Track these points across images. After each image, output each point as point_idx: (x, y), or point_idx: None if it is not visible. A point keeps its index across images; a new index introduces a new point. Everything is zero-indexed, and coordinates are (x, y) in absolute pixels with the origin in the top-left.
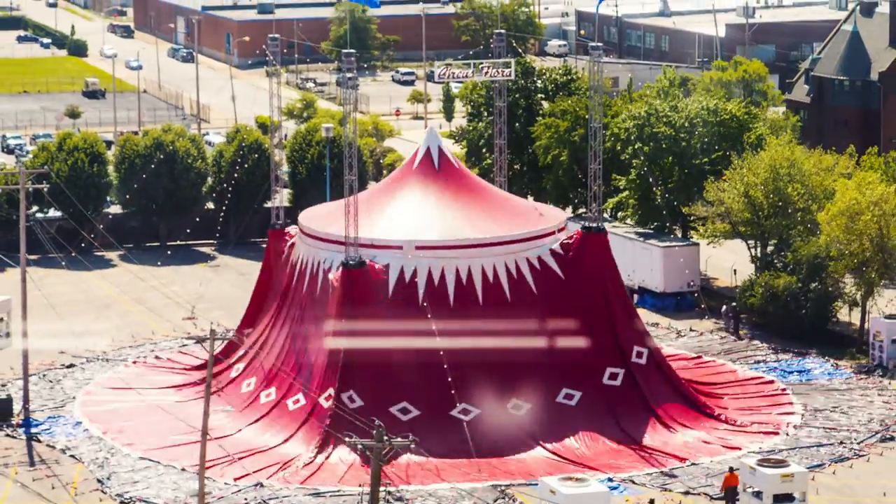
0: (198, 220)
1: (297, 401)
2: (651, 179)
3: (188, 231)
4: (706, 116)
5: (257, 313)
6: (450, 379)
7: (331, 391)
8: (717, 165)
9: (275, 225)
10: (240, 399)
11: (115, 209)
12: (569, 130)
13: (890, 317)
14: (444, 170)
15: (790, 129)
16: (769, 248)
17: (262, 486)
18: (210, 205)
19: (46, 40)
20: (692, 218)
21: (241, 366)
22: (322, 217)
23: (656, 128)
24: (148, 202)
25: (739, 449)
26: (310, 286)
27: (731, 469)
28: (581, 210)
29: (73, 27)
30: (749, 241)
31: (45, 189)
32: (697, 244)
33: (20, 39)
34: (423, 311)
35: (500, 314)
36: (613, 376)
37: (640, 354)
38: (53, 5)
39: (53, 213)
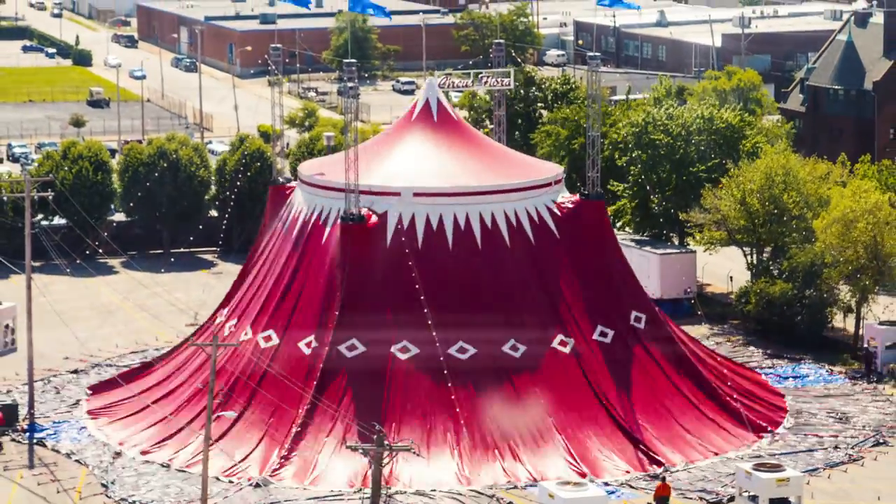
0: (201, 227)
1: (269, 338)
2: (648, 187)
3: (191, 238)
4: (702, 125)
5: (253, 264)
6: (447, 320)
7: (311, 338)
8: (714, 173)
9: (276, 180)
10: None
11: (119, 217)
12: (569, 138)
13: (884, 323)
14: (443, 121)
15: (785, 138)
16: (765, 255)
17: (259, 485)
18: (213, 212)
19: (51, 50)
20: (689, 225)
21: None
22: (321, 167)
23: (653, 136)
24: (152, 210)
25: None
26: (312, 233)
27: (662, 479)
28: None
29: (77, 37)
30: (745, 249)
31: (50, 197)
32: (694, 251)
33: (25, 49)
34: (422, 255)
35: (498, 259)
36: (604, 334)
37: (637, 319)
38: (58, 16)
39: (58, 220)
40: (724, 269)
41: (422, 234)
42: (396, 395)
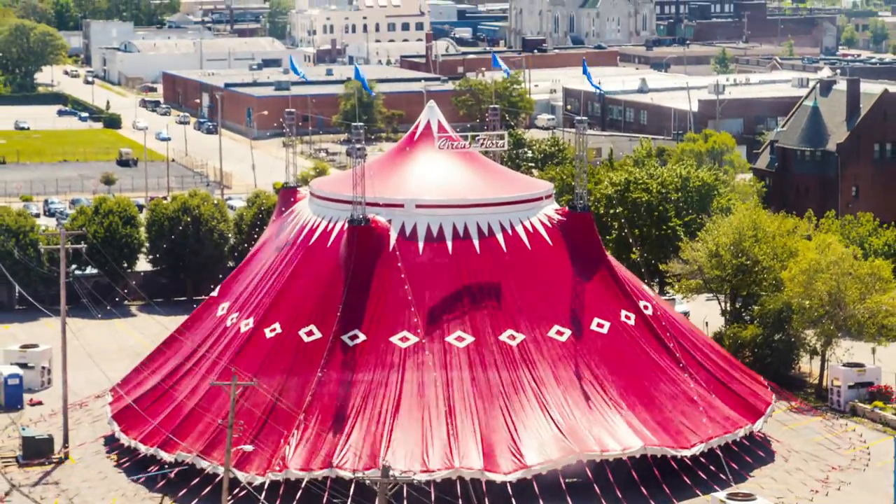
0: (221, 276)
1: (274, 329)
2: (631, 240)
3: (212, 286)
4: (679, 183)
5: (256, 261)
6: (445, 312)
7: (312, 327)
8: (691, 227)
9: (286, 185)
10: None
11: (146, 267)
12: (559, 195)
13: (847, 365)
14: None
15: (756, 195)
16: (738, 303)
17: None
18: (231, 263)
19: (84, 114)
20: (668, 275)
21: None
22: (331, 183)
23: (634, 194)
24: (176, 260)
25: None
26: (318, 239)
27: None
28: None
29: (108, 102)
30: (719, 296)
31: (83, 249)
32: (674, 299)
33: (60, 113)
34: (423, 257)
35: (496, 260)
36: (600, 325)
37: (627, 317)
38: (91, 83)
39: (90, 270)
40: (701, 314)
41: (423, 239)
42: (400, 381)
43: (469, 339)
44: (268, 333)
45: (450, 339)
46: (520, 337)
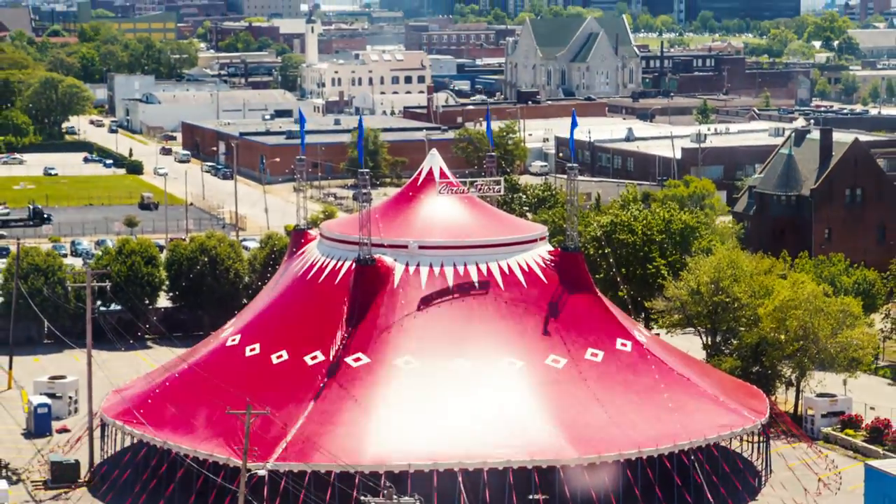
0: (236, 312)
1: (280, 356)
2: (618, 279)
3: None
4: (662, 225)
5: (269, 296)
6: (448, 338)
7: (318, 353)
8: (674, 266)
9: (297, 227)
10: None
11: (166, 303)
12: (551, 236)
13: (820, 395)
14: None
15: (734, 237)
16: (717, 337)
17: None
18: (245, 299)
19: (109, 161)
20: (653, 311)
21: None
22: (339, 225)
23: (621, 235)
24: (194, 297)
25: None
26: (327, 277)
27: None
28: None
29: (130, 150)
30: (700, 331)
31: (108, 286)
32: (658, 334)
33: (86, 160)
34: (425, 292)
35: (494, 296)
36: (595, 354)
37: (624, 344)
38: (114, 132)
39: (114, 306)
40: (683, 348)
41: (425, 276)
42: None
43: (468, 364)
44: (274, 359)
45: (451, 364)
46: (519, 363)
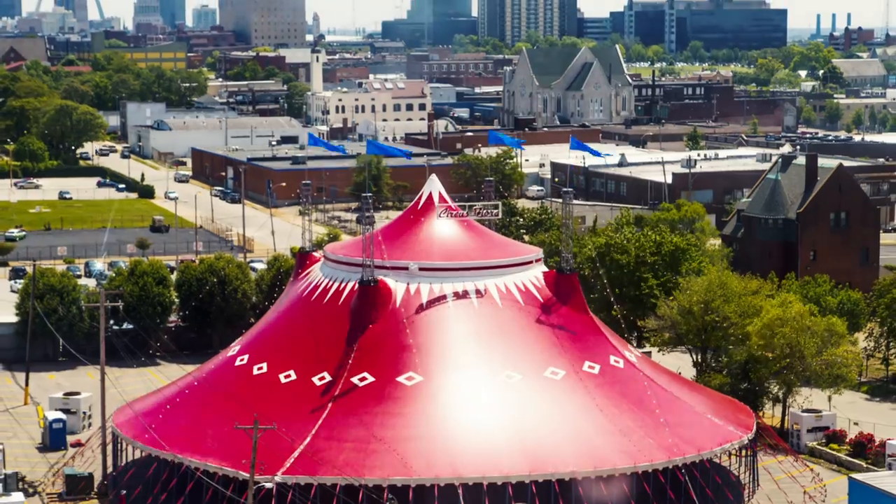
0: (244, 331)
1: (289, 375)
2: (612, 299)
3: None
4: (654, 247)
5: (274, 315)
6: (449, 355)
7: (325, 374)
8: (666, 287)
9: (303, 249)
10: (232, 373)
11: (177, 322)
12: (547, 258)
13: (806, 410)
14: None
15: (724, 259)
16: (707, 355)
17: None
18: (253, 319)
19: (121, 185)
20: (645, 330)
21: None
22: (343, 247)
23: (614, 256)
24: (203, 316)
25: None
26: (331, 298)
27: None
28: None
29: (142, 175)
30: (691, 349)
31: (120, 306)
32: (650, 352)
33: (100, 185)
34: (425, 310)
35: (493, 315)
36: (591, 367)
37: (617, 361)
38: (127, 157)
39: (126, 325)
40: (674, 366)
41: (426, 297)
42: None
43: (468, 378)
44: (282, 379)
45: (453, 378)
46: (517, 376)
